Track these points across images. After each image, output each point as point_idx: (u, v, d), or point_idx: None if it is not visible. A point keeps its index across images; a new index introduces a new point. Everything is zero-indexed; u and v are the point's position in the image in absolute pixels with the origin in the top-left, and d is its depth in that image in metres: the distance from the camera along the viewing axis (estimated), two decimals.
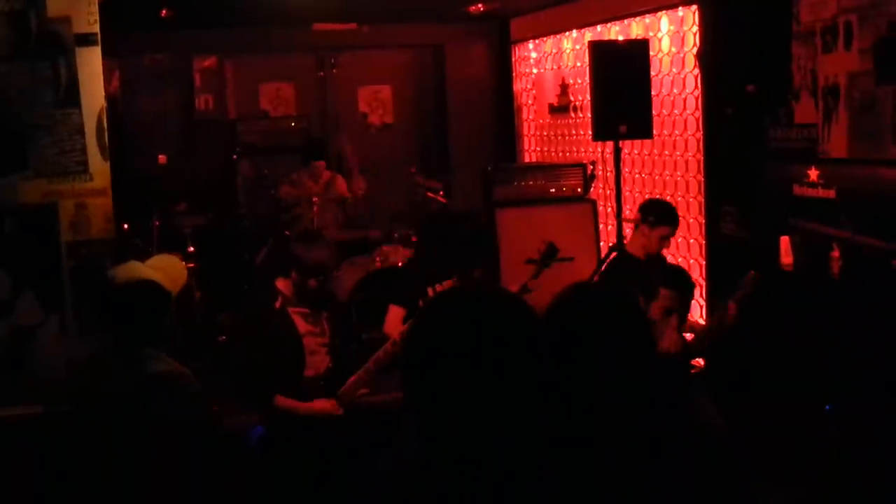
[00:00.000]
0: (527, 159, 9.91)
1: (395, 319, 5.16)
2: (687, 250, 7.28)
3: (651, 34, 7.58)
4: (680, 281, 4.39)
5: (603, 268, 6.22)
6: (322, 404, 4.52)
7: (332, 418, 4.50)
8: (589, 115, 7.11)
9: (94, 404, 3.44)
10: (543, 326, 2.07)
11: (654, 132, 6.97)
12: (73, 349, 4.66)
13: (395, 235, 7.84)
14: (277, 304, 4.67)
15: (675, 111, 7.44)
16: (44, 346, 4.78)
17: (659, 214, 5.71)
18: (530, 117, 9.95)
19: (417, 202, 8.08)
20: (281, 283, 4.69)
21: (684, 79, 7.30)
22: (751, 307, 4.43)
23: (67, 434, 3.50)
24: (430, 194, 7.97)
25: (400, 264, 7.52)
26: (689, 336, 5.66)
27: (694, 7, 6.95)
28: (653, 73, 6.97)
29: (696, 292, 7.00)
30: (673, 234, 5.80)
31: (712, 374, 5.26)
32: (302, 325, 4.66)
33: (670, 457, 2.16)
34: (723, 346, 4.77)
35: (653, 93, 6.87)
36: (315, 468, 4.42)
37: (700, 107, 7.03)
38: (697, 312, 6.79)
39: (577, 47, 8.75)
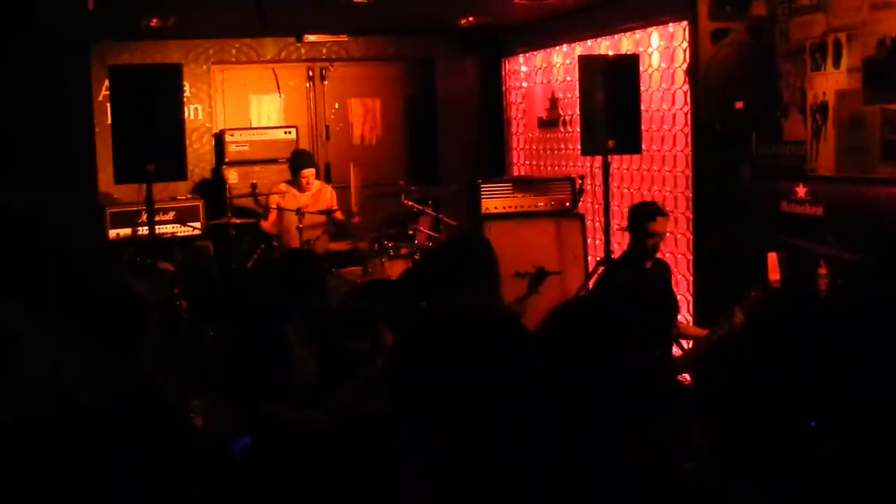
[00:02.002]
0: (515, 173, 9.92)
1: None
2: (675, 265, 7.29)
3: (641, 49, 7.61)
4: None
5: (596, 277, 6.22)
6: (308, 416, 4.50)
7: (318, 430, 4.48)
8: (578, 129, 7.14)
9: (72, 412, 3.41)
10: (534, 341, 2.06)
11: (643, 147, 6.99)
12: (57, 356, 4.62)
13: (380, 246, 7.81)
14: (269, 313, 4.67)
15: (665, 126, 7.47)
16: (28, 352, 4.75)
17: (638, 214, 5.72)
18: (519, 131, 9.96)
19: (406, 214, 8.06)
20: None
21: (674, 94, 7.32)
22: (747, 324, 4.45)
23: (46, 441, 3.47)
24: (415, 205, 7.96)
25: (390, 277, 7.50)
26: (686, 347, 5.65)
27: (684, 23, 6.98)
28: (642, 88, 7.00)
29: (684, 307, 7.03)
30: (658, 227, 5.67)
31: (700, 387, 5.26)
32: (292, 335, 4.66)
33: (656, 474, 2.15)
34: (710, 360, 4.76)
35: (642, 108, 6.90)
36: (301, 479, 4.40)
37: (689, 122, 7.05)
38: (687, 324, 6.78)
39: (568, 61, 8.78)
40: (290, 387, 4.60)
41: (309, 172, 8.24)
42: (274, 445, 4.49)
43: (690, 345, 5.48)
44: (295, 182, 8.28)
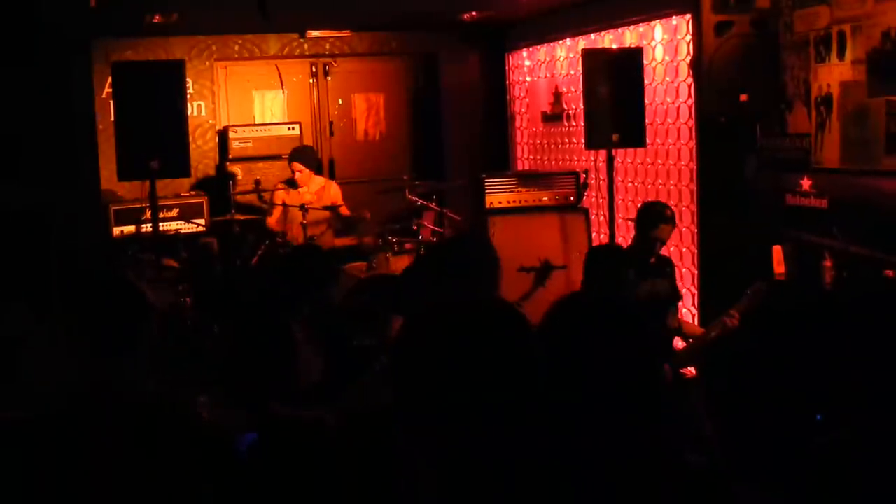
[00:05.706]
0: (520, 167, 9.90)
1: None
2: (679, 259, 7.28)
3: (645, 43, 7.59)
4: None
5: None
6: (315, 414, 4.49)
7: (323, 427, 4.48)
8: (582, 123, 7.13)
9: (77, 411, 3.40)
10: (537, 335, 2.06)
11: (648, 141, 6.98)
12: (62, 357, 4.63)
13: (384, 242, 7.81)
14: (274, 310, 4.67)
15: (669, 120, 7.45)
16: (32, 353, 4.75)
17: (643, 216, 5.69)
18: (523, 125, 9.95)
19: (410, 209, 8.07)
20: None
21: (677, 87, 7.30)
22: (754, 317, 4.44)
23: (50, 439, 3.47)
24: (419, 200, 7.96)
25: (396, 272, 7.50)
26: (685, 343, 5.65)
27: (688, 16, 6.95)
28: (646, 81, 6.98)
29: (689, 300, 7.03)
30: (661, 234, 5.66)
31: (704, 381, 5.25)
32: (298, 332, 4.65)
33: (660, 467, 2.15)
34: (716, 353, 4.75)
35: (646, 101, 6.88)
36: (306, 476, 4.39)
37: (693, 116, 7.03)
38: (690, 321, 6.78)
39: (571, 55, 8.75)
40: (296, 384, 4.60)
41: (297, 167, 8.23)
42: (280, 444, 4.49)
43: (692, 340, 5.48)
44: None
